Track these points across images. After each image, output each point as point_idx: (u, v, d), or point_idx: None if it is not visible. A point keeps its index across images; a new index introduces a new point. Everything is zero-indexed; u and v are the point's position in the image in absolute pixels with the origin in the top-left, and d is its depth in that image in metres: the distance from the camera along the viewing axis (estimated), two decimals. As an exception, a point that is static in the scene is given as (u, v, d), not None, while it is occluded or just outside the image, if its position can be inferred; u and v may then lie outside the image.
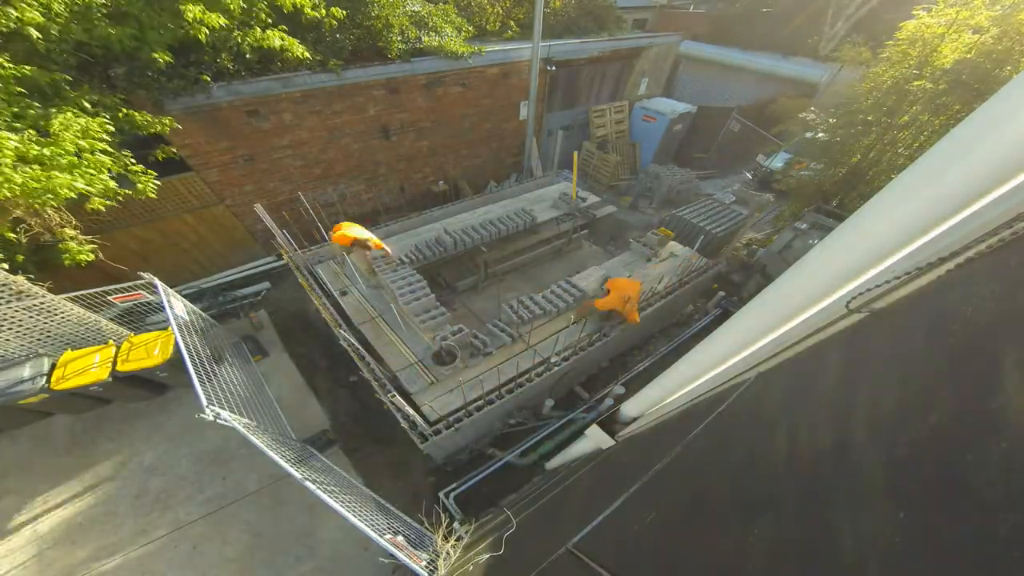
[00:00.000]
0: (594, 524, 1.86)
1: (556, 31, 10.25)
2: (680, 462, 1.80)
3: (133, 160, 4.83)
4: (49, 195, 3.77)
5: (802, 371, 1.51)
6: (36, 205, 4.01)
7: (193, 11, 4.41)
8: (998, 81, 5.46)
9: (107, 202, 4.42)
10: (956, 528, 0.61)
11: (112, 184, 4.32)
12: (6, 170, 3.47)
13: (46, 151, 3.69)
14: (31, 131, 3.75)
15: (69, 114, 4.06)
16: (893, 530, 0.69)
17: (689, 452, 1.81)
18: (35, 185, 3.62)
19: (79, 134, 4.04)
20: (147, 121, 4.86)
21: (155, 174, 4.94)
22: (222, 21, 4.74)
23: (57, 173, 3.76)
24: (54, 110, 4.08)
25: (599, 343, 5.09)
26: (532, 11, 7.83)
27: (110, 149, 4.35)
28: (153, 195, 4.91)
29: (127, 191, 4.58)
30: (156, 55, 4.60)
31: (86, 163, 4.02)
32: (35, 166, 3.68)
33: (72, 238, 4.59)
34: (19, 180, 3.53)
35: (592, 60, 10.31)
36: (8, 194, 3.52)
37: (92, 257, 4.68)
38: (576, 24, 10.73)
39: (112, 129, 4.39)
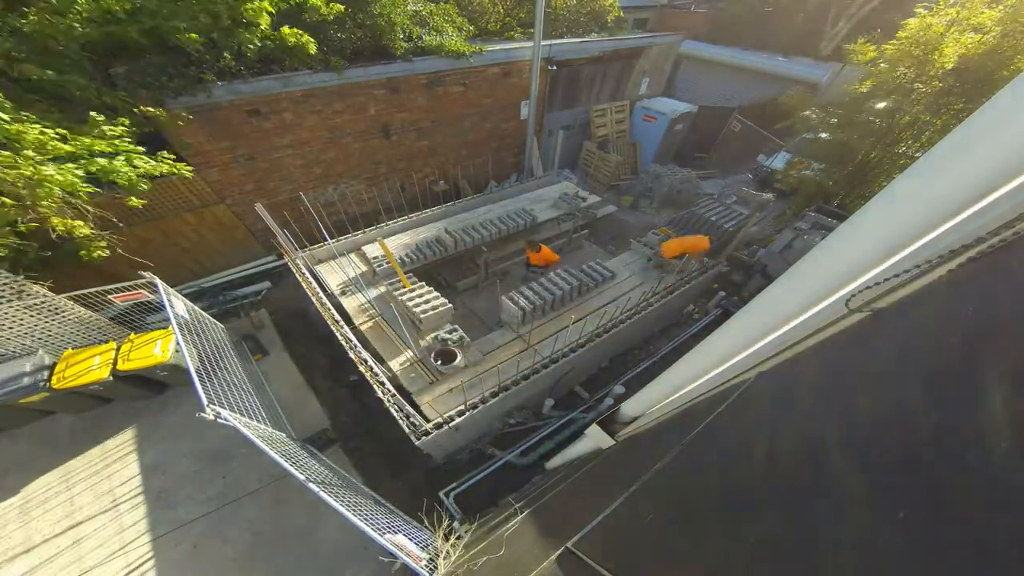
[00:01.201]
0: (594, 524, 1.86)
1: (557, 31, 10.24)
2: (680, 462, 1.80)
3: (165, 154, 4.88)
4: (89, 184, 3.92)
5: (803, 371, 1.51)
6: (69, 200, 4.10)
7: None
8: (1000, 80, 5.46)
9: (141, 200, 4.57)
10: (957, 528, 0.60)
11: (143, 183, 4.43)
12: (40, 168, 3.58)
13: (69, 147, 3.81)
14: (60, 130, 3.85)
15: (94, 112, 4.19)
16: (894, 529, 0.69)
17: (689, 452, 1.81)
18: (61, 178, 3.72)
19: (105, 132, 4.18)
20: (165, 117, 4.97)
21: (189, 166, 5.06)
22: (269, 11, 4.93)
23: (100, 160, 3.94)
24: (92, 113, 4.20)
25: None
26: (533, 11, 7.82)
27: (137, 148, 4.43)
28: (189, 174, 5.07)
29: (165, 175, 4.69)
30: (189, 37, 4.70)
31: (117, 158, 4.17)
32: (69, 164, 3.81)
33: (89, 236, 4.62)
34: (58, 177, 3.67)
35: (593, 60, 10.30)
36: (48, 195, 3.66)
37: (107, 254, 4.73)
38: (577, 24, 10.72)
39: (131, 126, 4.49)
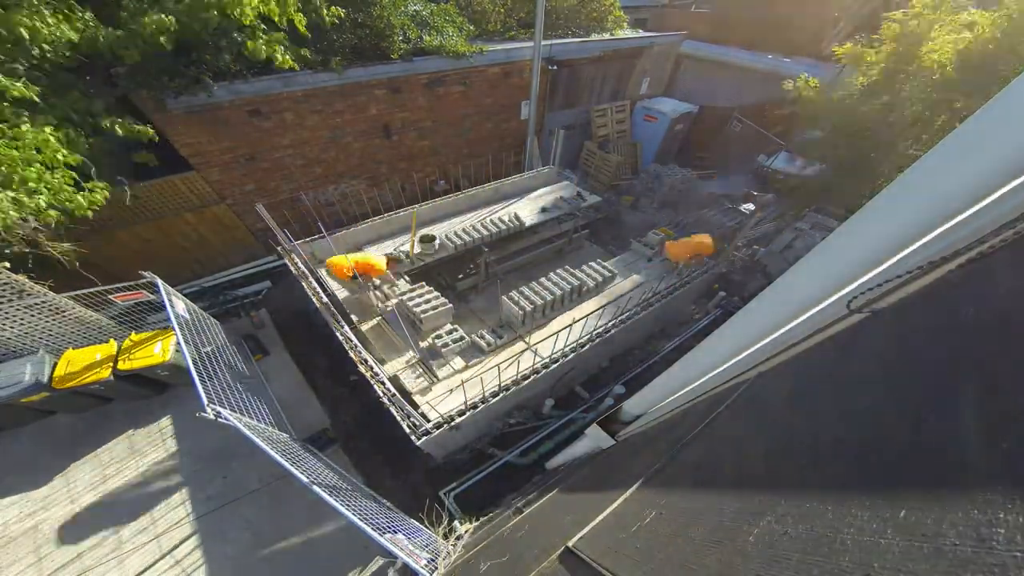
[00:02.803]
0: (594, 524, 1.86)
1: (557, 30, 10.24)
2: (680, 462, 1.80)
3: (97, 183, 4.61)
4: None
5: (803, 371, 1.51)
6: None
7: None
8: (999, 81, 5.44)
9: (60, 216, 4.21)
10: (957, 528, 0.60)
11: (65, 204, 4.13)
12: None
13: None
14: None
15: (24, 127, 3.87)
16: (894, 530, 0.69)
17: (689, 452, 1.81)
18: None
19: (33, 149, 3.85)
20: (130, 131, 4.78)
21: (103, 188, 4.59)
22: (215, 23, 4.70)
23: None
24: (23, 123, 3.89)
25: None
26: (533, 10, 7.81)
27: (71, 161, 4.15)
28: (87, 214, 4.40)
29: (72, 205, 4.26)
30: (130, 54, 4.46)
31: (34, 180, 3.84)
32: None
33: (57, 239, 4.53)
34: None
35: (593, 60, 10.29)
36: None
37: (73, 256, 4.61)
38: (577, 23, 10.72)
39: (66, 140, 4.18)
